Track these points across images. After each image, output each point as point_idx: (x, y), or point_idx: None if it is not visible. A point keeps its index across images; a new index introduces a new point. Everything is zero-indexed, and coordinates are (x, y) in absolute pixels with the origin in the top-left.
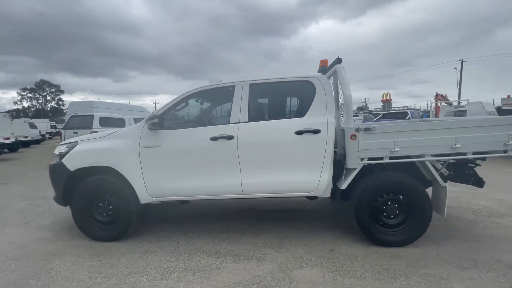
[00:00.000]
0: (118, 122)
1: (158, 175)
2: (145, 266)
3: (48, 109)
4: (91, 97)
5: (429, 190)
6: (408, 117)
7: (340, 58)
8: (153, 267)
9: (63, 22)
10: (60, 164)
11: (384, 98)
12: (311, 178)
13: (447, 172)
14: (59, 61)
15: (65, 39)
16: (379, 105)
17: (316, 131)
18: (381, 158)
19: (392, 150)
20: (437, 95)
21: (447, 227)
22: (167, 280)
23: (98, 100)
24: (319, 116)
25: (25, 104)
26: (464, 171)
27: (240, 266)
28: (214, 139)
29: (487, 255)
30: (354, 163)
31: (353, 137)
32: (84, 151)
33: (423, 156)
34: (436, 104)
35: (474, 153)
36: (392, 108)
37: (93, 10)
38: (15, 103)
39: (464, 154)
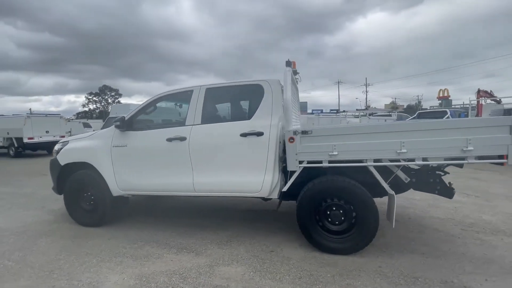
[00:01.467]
0: None
1: (125, 171)
2: (103, 249)
3: (108, 110)
4: (146, 99)
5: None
6: (447, 116)
7: (290, 61)
8: (108, 250)
9: (124, 33)
10: (55, 159)
11: (441, 95)
12: (255, 180)
13: (408, 179)
14: (120, 68)
15: (125, 48)
16: (436, 102)
17: (259, 134)
18: (321, 162)
19: (330, 154)
20: (479, 91)
21: (415, 239)
22: (110, 263)
23: (135, 103)
24: (264, 118)
25: (91, 106)
26: (428, 179)
27: (177, 257)
28: (169, 140)
29: (438, 273)
30: (293, 166)
31: (291, 140)
32: (71, 148)
33: (365, 161)
34: (478, 101)
35: (424, 159)
36: (430, 107)
37: (149, 21)
38: (83, 105)
39: (413, 160)
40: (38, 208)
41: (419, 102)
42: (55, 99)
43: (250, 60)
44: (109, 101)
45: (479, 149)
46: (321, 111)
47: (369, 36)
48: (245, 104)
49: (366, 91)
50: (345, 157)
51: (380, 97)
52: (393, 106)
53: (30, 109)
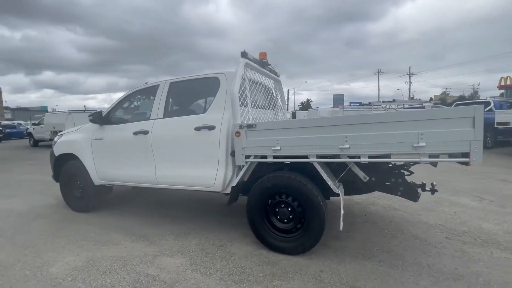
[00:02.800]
0: None
1: (102, 162)
2: (76, 233)
3: None
4: None
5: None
6: (489, 108)
7: (244, 52)
8: (80, 234)
9: (167, 33)
10: (52, 150)
11: (503, 84)
12: (209, 174)
13: (367, 178)
14: (162, 66)
15: (168, 47)
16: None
17: (211, 128)
18: (266, 157)
19: (273, 149)
20: None
21: (381, 245)
22: (74, 245)
23: None
24: (217, 112)
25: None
26: (389, 178)
27: (132, 245)
28: (135, 133)
29: (381, 285)
30: (240, 161)
31: (237, 134)
32: (62, 141)
33: (309, 156)
34: None
35: (371, 157)
36: (489, 98)
37: (189, 20)
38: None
39: (359, 156)
40: (48, 194)
41: (475, 92)
42: (107, 96)
43: (284, 53)
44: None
45: (433, 145)
46: (360, 103)
47: (417, 21)
48: (203, 98)
49: (410, 80)
50: (288, 152)
51: (429, 87)
52: (461, 96)
53: (84, 106)
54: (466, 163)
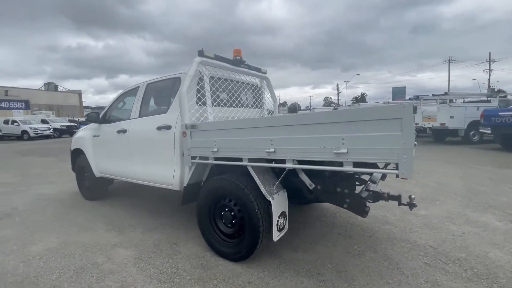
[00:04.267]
0: None
1: (98, 157)
2: (72, 218)
3: None
4: None
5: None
6: None
7: (201, 51)
8: (74, 220)
9: (221, 33)
10: (70, 145)
11: None
12: (168, 173)
13: (313, 186)
14: None
15: (222, 47)
16: None
17: (168, 127)
18: (207, 158)
19: (212, 150)
20: None
21: (337, 263)
22: (63, 229)
23: None
24: (175, 112)
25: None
26: (334, 188)
27: (103, 234)
28: (118, 132)
29: None
30: (187, 161)
31: (184, 134)
32: (75, 137)
33: (242, 159)
34: None
35: (300, 162)
36: None
37: (243, 19)
38: None
39: (284, 161)
40: (64, 182)
41: None
42: None
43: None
44: None
45: (356, 152)
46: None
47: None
48: (168, 98)
49: (489, 69)
50: (225, 154)
51: None
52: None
53: None
54: (397, 176)
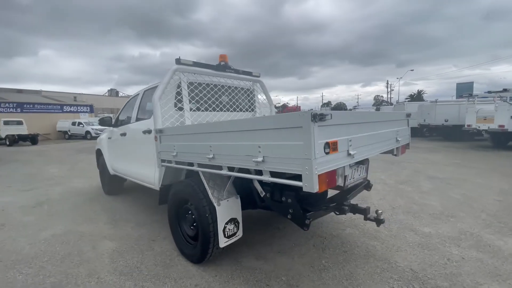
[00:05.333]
0: None
1: (111, 157)
2: (86, 210)
3: None
4: (281, 95)
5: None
6: None
7: (178, 59)
8: (85, 211)
9: (268, 35)
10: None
11: None
12: (151, 173)
13: (263, 193)
14: (263, 67)
15: (268, 49)
16: None
17: (149, 131)
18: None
19: (172, 154)
20: None
21: (293, 276)
22: (72, 218)
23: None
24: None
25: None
26: (280, 197)
27: (101, 226)
28: (121, 135)
29: None
30: (159, 164)
31: (156, 138)
32: (98, 138)
33: (193, 164)
34: None
35: (236, 170)
36: None
37: (290, 19)
38: None
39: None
40: (88, 177)
41: None
42: None
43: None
44: None
45: (271, 161)
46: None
47: None
48: None
49: None
50: (181, 159)
51: None
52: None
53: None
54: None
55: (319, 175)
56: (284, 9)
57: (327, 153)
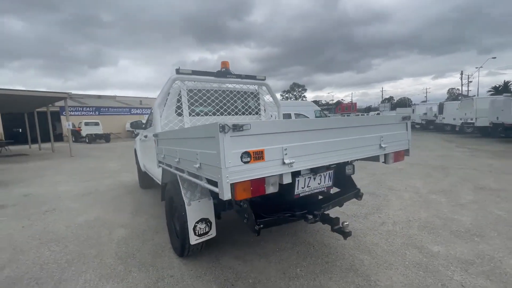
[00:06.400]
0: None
1: (141, 156)
2: (120, 201)
3: None
4: (336, 92)
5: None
6: None
7: (178, 69)
8: (119, 202)
9: (323, 30)
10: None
11: None
12: (159, 172)
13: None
14: (317, 63)
15: (323, 44)
16: None
17: (156, 135)
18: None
19: (161, 156)
20: None
21: (255, 277)
22: (103, 208)
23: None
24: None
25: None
26: (240, 201)
27: (124, 215)
28: (144, 137)
29: None
30: (157, 165)
31: (155, 142)
32: (135, 139)
33: (171, 166)
34: None
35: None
36: None
37: (347, 11)
38: None
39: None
40: (130, 175)
41: None
42: (266, 99)
43: (477, 21)
44: (297, 96)
45: (204, 168)
46: None
47: None
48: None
49: None
50: (167, 161)
51: None
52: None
53: None
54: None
55: (236, 183)
56: (340, 1)
57: (246, 162)
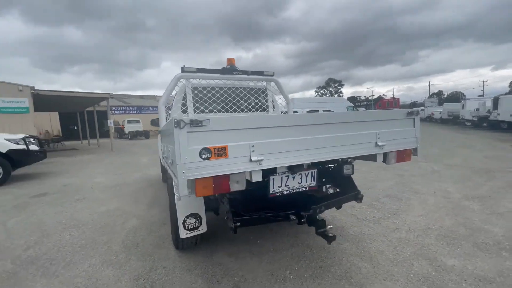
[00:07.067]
0: None
1: (160, 151)
2: (139, 194)
3: None
4: (376, 86)
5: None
6: None
7: (183, 67)
8: (138, 195)
9: (364, 22)
10: None
11: None
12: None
13: (216, 196)
14: (356, 58)
15: (363, 36)
16: None
17: (159, 132)
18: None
19: (161, 152)
20: None
21: (240, 275)
22: (122, 199)
23: (299, 97)
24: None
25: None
26: (222, 200)
27: (141, 207)
28: (159, 132)
29: None
30: (162, 160)
31: (159, 139)
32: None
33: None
34: None
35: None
36: None
37: (389, 1)
38: None
39: None
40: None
41: None
42: (301, 95)
43: None
44: (332, 92)
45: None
46: None
47: None
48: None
49: None
50: (164, 157)
51: None
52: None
53: None
54: None
55: (197, 180)
56: None
57: (205, 159)
